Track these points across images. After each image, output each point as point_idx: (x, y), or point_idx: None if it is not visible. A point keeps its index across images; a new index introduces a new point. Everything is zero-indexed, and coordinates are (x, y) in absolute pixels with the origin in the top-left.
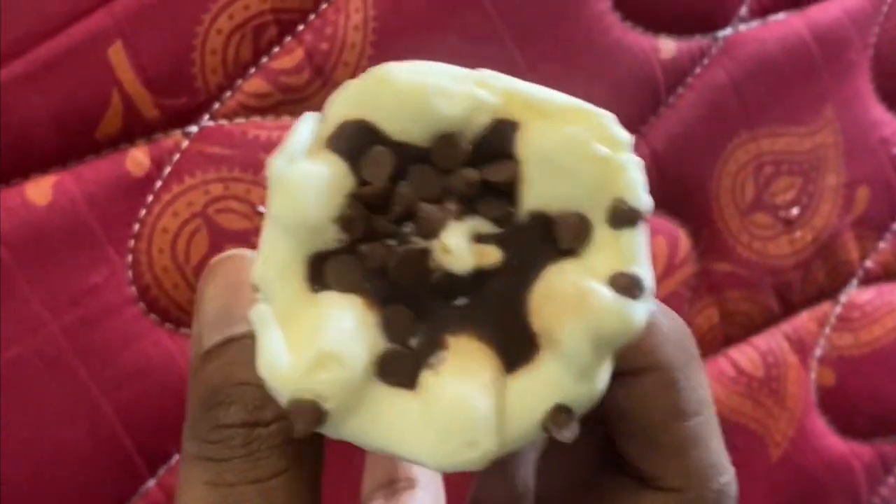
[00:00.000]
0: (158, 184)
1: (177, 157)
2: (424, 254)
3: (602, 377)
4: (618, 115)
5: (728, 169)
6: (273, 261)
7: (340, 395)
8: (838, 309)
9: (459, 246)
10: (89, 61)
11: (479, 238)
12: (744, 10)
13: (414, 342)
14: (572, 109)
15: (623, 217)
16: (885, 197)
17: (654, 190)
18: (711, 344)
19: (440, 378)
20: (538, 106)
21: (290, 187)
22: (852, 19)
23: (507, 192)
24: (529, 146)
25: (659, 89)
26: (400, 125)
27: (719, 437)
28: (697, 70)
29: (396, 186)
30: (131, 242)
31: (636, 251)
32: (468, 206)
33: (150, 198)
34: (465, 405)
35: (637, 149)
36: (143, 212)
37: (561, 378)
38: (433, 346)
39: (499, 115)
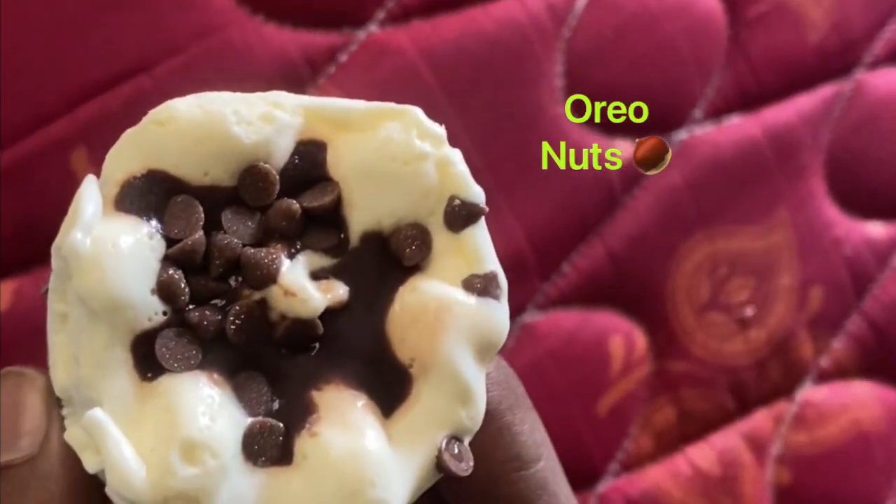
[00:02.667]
0: None
1: None
2: (262, 306)
3: (482, 393)
4: (574, 214)
5: (683, 269)
6: (88, 357)
7: (216, 487)
8: (793, 407)
9: (304, 285)
10: (52, 167)
11: (316, 274)
12: (698, 113)
13: (276, 408)
14: (377, 113)
15: (462, 216)
16: (838, 296)
17: (611, 289)
18: (669, 443)
19: (319, 439)
20: (340, 118)
21: (92, 262)
22: (805, 122)
23: (332, 218)
24: (343, 163)
25: (615, 191)
26: (198, 166)
27: (566, 483)
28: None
29: (212, 238)
30: None
31: (482, 249)
32: (294, 242)
33: None
34: (357, 457)
35: (594, 248)
36: None
37: (443, 407)
38: (300, 407)
39: (303, 136)
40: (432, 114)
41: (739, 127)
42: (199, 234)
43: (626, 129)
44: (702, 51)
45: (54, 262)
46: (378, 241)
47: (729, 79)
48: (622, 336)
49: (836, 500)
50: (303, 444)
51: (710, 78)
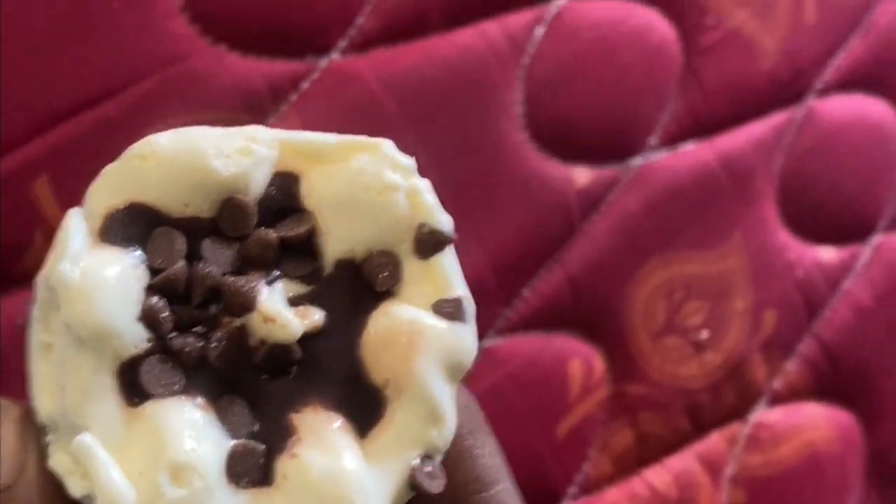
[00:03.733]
0: None
1: None
2: (242, 332)
3: (453, 413)
4: (535, 240)
5: (640, 293)
6: (75, 384)
7: None
8: (747, 429)
9: (282, 311)
10: (15, 196)
11: (292, 301)
12: (654, 140)
13: (257, 430)
14: (349, 146)
15: (431, 243)
16: (791, 319)
17: (571, 314)
18: (626, 465)
19: (299, 460)
20: (313, 151)
21: (81, 292)
22: (757, 148)
23: (307, 247)
24: (316, 194)
25: (573, 216)
26: (178, 198)
27: None
28: (611, 198)
29: (192, 268)
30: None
31: (451, 274)
32: (271, 270)
33: None
34: (336, 477)
35: (554, 273)
36: None
37: (416, 426)
38: (280, 429)
39: (278, 168)
40: (394, 141)
41: (694, 153)
42: (181, 263)
43: (585, 156)
44: (657, 79)
45: (39, 293)
46: (351, 268)
47: (683, 106)
48: (581, 359)
49: None
50: (283, 465)
51: (666, 105)
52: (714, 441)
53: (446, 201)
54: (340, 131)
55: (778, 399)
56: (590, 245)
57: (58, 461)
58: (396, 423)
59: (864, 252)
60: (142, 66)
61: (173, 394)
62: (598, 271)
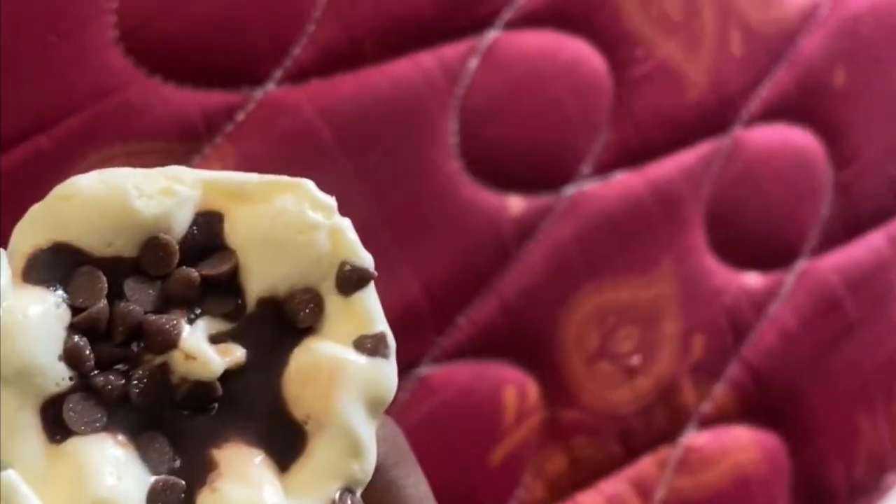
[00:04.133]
0: None
1: None
2: (164, 370)
3: (373, 447)
4: (469, 268)
5: (573, 319)
6: None
7: None
8: (677, 452)
9: (203, 349)
10: None
11: (215, 339)
12: (586, 169)
13: (178, 466)
14: (271, 185)
15: (352, 280)
16: (719, 343)
17: (505, 341)
18: (559, 490)
19: (219, 494)
20: (236, 190)
21: (5, 332)
22: (686, 177)
23: (229, 285)
24: (239, 233)
25: (508, 245)
26: (101, 238)
27: None
28: (544, 226)
29: (115, 306)
30: None
31: (372, 311)
32: (193, 308)
33: None
34: None
35: (489, 301)
36: None
37: (337, 461)
38: (201, 464)
39: (201, 208)
40: (330, 171)
41: (625, 182)
42: (103, 302)
43: (519, 185)
44: (588, 110)
45: None
46: (273, 306)
47: (614, 136)
48: (515, 386)
49: None
50: (204, 499)
51: (597, 135)
52: (645, 465)
53: (381, 229)
54: (276, 161)
55: (706, 422)
56: (524, 273)
57: None
58: (317, 457)
59: (789, 278)
60: (76, 98)
61: (95, 431)
62: (532, 298)
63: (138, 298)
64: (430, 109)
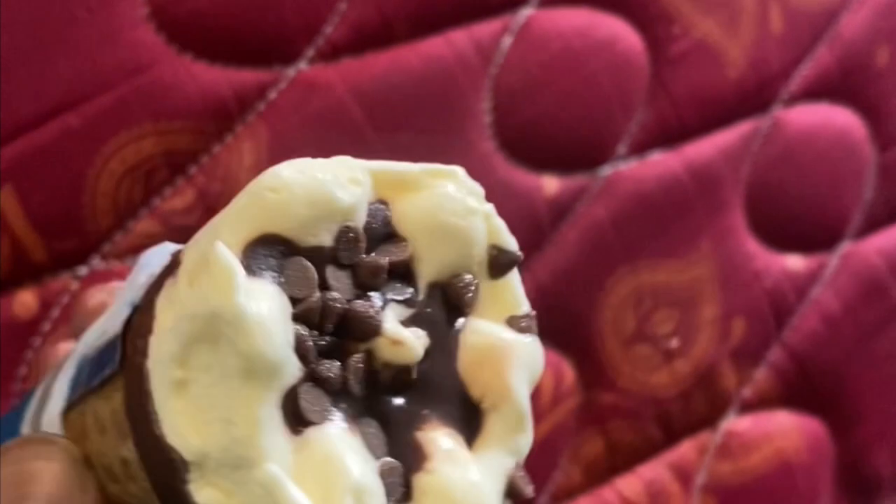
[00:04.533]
0: (46, 326)
1: (66, 298)
2: (369, 356)
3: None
4: None
5: (610, 301)
6: (244, 417)
7: None
8: (717, 437)
9: (407, 334)
10: None
11: (402, 325)
12: (622, 149)
13: (390, 450)
14: (431, 174)
15: (502, 264)
16: (760, 328)
17: (540, 323)
18: (597, 474)
19: (436, 476)
20: (399, 179)
21: (256, 324)
22: (725, 157)
23: (404, 271)
24: (408, 220)
25: (543, 225)
26: (307, 229)
27: None
28: (579, 207)
29: (324, 295)
30: (18, 385)
31: (519, 292)
32: (382, 295)
33: (37, 340)
34: (471, 489)
35: (524, 283)
36: (29, 354)
37: (509, 436)
38: (410, 447)
39: (372, 197)
40: (362, 150)
41: (662, 162)
42: (318, 293)
43: (554, 165)
44: (625, 88)
45: (183, 327)
46: (439, 290)
47: (651, 115)
48: (551, 368)
49: None
50: (419, 481)
51: (633, 114)
52: (685, 449)
53: None
54: (308, 140)
55: (747, 407)
56: (559, 254)
57: (207, 497)
58: (494, 434)
59: (832, 260)
60: (106, 76)
61: (328, 420)
62: (568, 280)
63: (340, 287)
64: (463, 88)
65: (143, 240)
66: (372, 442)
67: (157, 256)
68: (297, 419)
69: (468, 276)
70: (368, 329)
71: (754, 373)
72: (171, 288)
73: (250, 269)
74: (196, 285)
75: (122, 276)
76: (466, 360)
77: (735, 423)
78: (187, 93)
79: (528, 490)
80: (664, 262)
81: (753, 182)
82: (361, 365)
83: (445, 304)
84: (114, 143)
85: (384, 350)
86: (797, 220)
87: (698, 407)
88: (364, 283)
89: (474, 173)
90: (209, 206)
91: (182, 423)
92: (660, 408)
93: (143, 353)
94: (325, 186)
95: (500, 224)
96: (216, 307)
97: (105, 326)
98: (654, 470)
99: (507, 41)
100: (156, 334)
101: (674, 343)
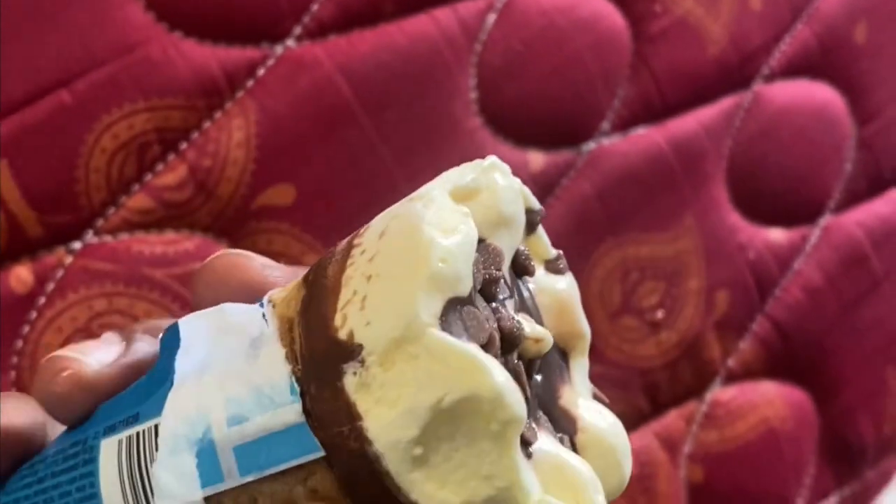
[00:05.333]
0: (42, 300)
1: (60, 273)
2: (520, 358)
3: None
4: None
5: (596, 274)
6: (506, 468)
7: None
8: (703, 407)
9: (543, 332)
10: None
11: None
12: (605, 125)
13: (556, 428)
14: (483, 171)
15: (535, 222)
16: (744, 299)
17: None
18: None
19: (590, 430)
20: (467, 189)
21: (513, 394)
22: (707, 132)
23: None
24: (483, 223)
25: None
26: (491, 230)
27: None
28: (564, 181)
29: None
30: (14, 359)
31: (546, 238)
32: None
33: (33, 314)
34: (619, 429)
35: None
36: (26, 328)
37: (585, 369)
38: (564, 417)
39: None
40: (351, 126)
41: (645, 137)
42: (493, 331)
43: (539, 141)
44: (607, 66)
45: (423, 411)
46: (510, 269)
47: (634, 92)
48: None
49: (748, 496)
50: (579, 441)
51: (617, 91)
52: (672, 419)
53: (402, 186)
54: (298, 117)
55: (732, 377)
56: (546, 228)
57: None
58: (578, 374)
59: (814, 233)
60: (98, 54)
61: (536, 433)
62: None
63: (486, 313)
64: (449, 66)
65: (136, 215)
66: (549, 428)
67: (173, 336)
68: (524, 445)
69: (521, 247)
70: (518, 340)
71: (739, 343)
72: (363, 373)
73: (450, 335)
74: (416, 369)
75: (115, 251)
76: (547, 318)
77: (721, 392)
78: (178, 70)
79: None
80: (649, 235)
81: (735, 157)
82: (523, 370)
83: (518, 278)
84: (106, 120)
85: (529, 349)
86: (779, 194)
87: (684, 377)
88: (488, 296)
89: (461, 149)
90: (200, 181)
91: (431, 489)
92: (646, 378)
93: (361, 439)
94: (470, 237)
95: (525, 188)
96: (473, 390)
97: (193, 416)
98: (642, 439)
99: (492, 19)
100: (375, 419)
101: (659, 315)
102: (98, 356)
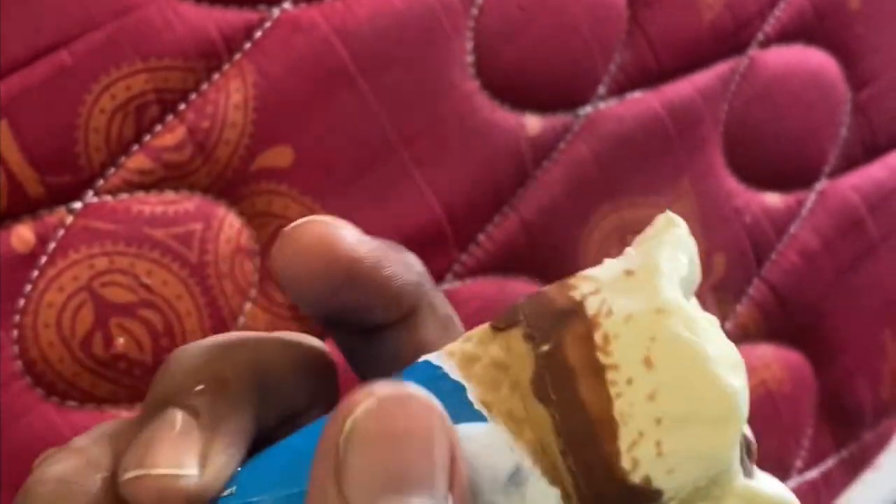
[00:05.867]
0: (43, 259)
1: (61, 232)
2: None
3: None
4: (488, 187)
5: (593, 238)
6: None
7: None
8: None
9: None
10: None
11: None
12: (602, 89)
13: None
14: (686, 253)
15: None
16: (741, 263)
17: (526, 258)
18: None
19: None
20: None
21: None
22: (703, 96)
23: None
24: None
25: (526, 164)
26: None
27: None
28: (561, 145)
29: None
30: (16, 317)
31: None
32: None
33: (35, 273)
34: None
35: (508, 219)
36: (28, 287)
37: None
38: None
39: None
40: (348, 89)
41: (641, 102)
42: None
43: (535, 105)
44: (603, 30)
45: None
46: None
47: (630, 57)
48: None
49: None
50: None
51: (613, 56)
52: None
53: (400, 149)
54: (295, 80)
55: (730, 340)
56: (543, 191)
57: None
58: None
59: (810, 197)
60: (96, 16)
61: None
62: (552, 217)
63: None
64: (445, 30)
65: (136, 175)
66: None
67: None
68: None
69: None
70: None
71: (736, 307)
72: None
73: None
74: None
75: (115, 211)
76: None
77: None
78: (176, 32)
79: None
80: (646, 199)
81: (731, 121)
82: None
83: None
84: (105, 80)
85: None
86: (775, 159)
87: None
88: None
89: (458, 113)
90: (198, 142)
91: None
92: None
93: None
94: (745, 373)
95: None
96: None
97: None
98: None
99: None
100: None
101: None
102: None
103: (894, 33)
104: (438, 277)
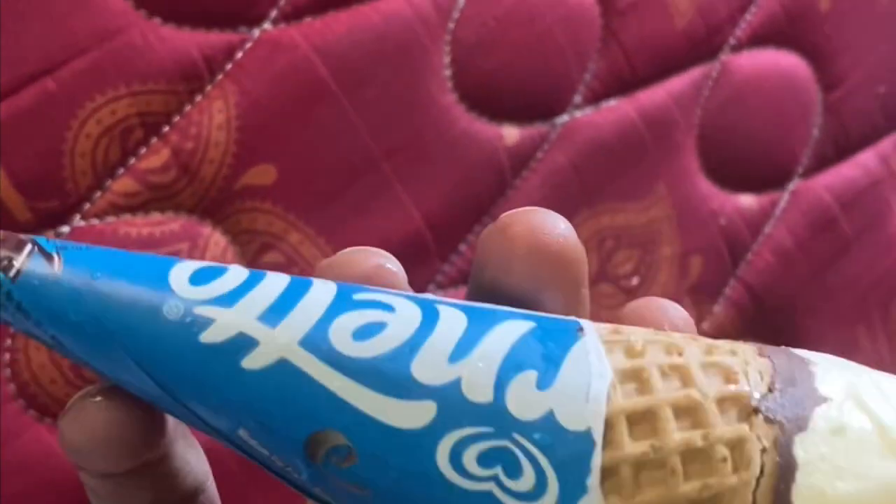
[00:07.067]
0: None
1: None
2: None
3: None
4: (468, 197)
5: None
6: None
7: None
8: None
9: None
10: None
11: None
12: (577, 98)
13: None
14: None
15: None
16: (717, 264)
17: None
18: None
19: None
20: None
21: None
22: (677, 102)
23: None
24: None
25: (505, 173)
26: None
27: None
28: (539, 154)
29: None
30: (8, 341)
31: None
32: None
33: None
34: None
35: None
36: None
37: None
38: None
39: None
40: (329, 106)
41: (617, 109)
42: None
43: (513, 115)
44: (578, 40)
45: None
46: None
47: (605, 65)
48: None
49: None
50: None
51: (587, 65)
52: None
53: (381, 163)
54: (276, 99)
55: None
56: (522, 200)
57: None
58: None
59: (783, 197)
60: (79, 42)
61: None
62: None
63: None
64: (423, 44)
65: (122, 198)
66: None
67: None
68: None
69: None
70: None
71: (713, 307)
72: None
73: None
74: None
75: (103, 234)
76: None
77: None
78: (158, 56)
79: None
80: (623, 204)
81: (705, 126)
82: None
83: None
84: (90, 106)
85: None
86: (748, 161)
87: None
88: None
89: (436, 126)
90: (183, 163)
91: None
92: None
93: None
94: None
95: None
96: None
97: None
98: None
99: None
100: None
101: (634, 281)
102: None
103: (863, 32)
104: (421, 288)
